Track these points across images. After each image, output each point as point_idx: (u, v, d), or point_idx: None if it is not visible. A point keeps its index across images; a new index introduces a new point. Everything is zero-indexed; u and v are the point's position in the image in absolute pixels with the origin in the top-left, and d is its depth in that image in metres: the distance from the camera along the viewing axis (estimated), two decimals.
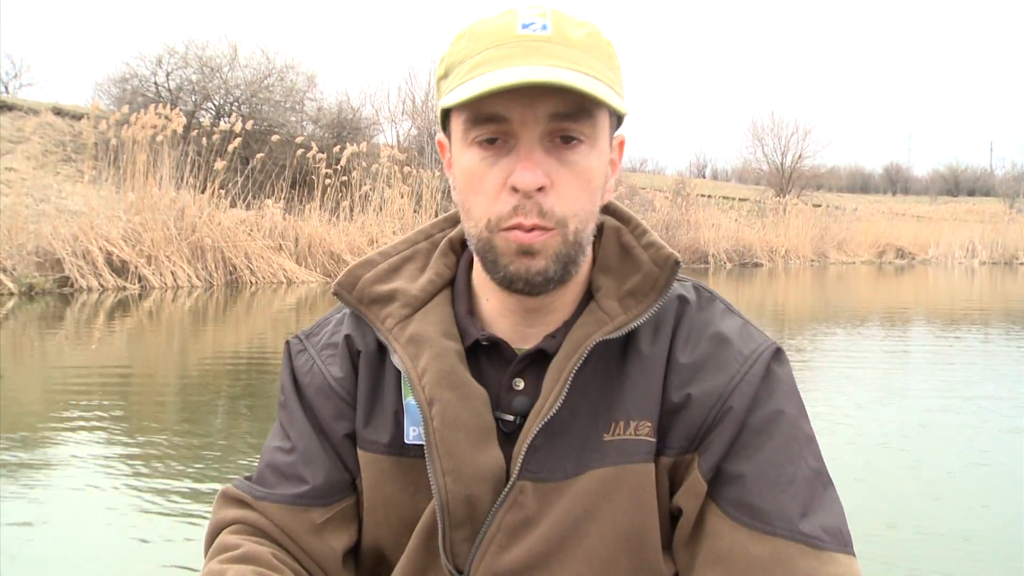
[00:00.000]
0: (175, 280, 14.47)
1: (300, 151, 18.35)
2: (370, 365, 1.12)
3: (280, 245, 16.62)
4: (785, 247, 31.56)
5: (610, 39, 1.03)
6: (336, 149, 19.11)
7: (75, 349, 8.77)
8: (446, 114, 1.03)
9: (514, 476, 1.02)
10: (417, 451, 1.06)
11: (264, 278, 15.70)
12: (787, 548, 0.94)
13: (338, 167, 18.54)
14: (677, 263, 1.07)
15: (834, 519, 0.98)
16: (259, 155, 17.46)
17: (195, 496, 4.08)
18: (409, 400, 1.07)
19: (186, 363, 8.40)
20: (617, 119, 1.05)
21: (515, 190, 0.96)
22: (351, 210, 18.66)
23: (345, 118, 22.53)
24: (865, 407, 6.33)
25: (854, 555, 0.97)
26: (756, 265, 29.15)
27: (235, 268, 15.53)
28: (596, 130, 0.99)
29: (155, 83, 20.72)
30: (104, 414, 5.79)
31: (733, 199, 35.87)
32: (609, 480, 1.01)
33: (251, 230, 16.18)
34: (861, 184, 63.21)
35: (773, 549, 0.94)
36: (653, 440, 1.03)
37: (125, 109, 16.79)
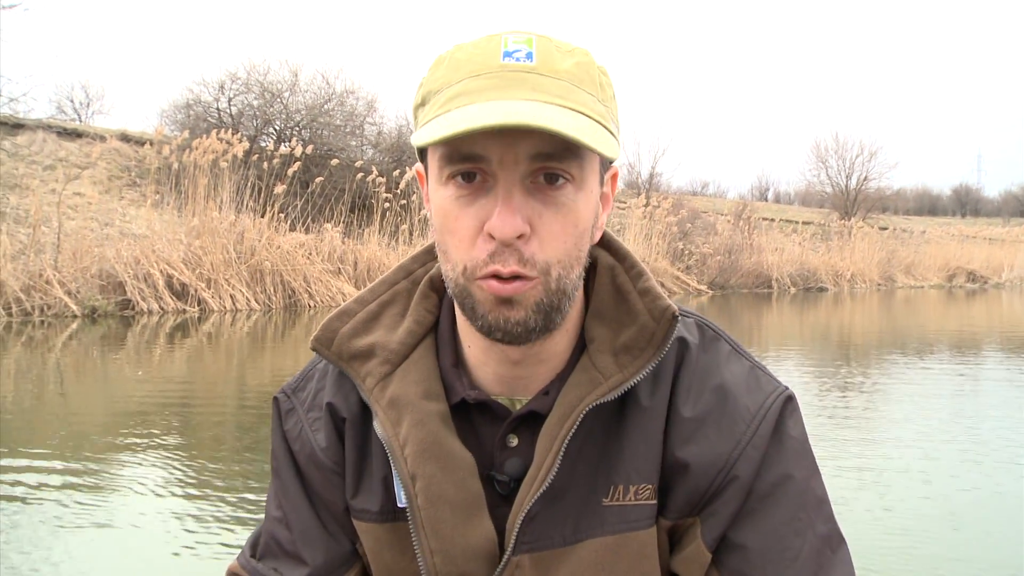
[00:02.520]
0: (234, 303, 14.55)
1: (360, 175, 18.43)
2: (355, 431, 1.06)
3: (339, 269, 16.64)
4: (851, 271, 30.97)
5: (604, 67, 0.95)
6: (395, 173, 19.16)
7: (135, 370, 8.80)
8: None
9: (508, 551, 0.96)
10: None
11: (323, 302, 15.71)
12: None
13: (397, 191, 18.57)
14: (675, 317, 0.99)
15: None
16: (318, 179, 17.56)
17: (247, 517, 4.00)
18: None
19: (244, 386, 8.35)
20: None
21: (492, 236, 0.89)
22: (410, 234, 18.65)
23: (405, 142, 22.62)
24: (941, 457, 5.97)
25: None
26: (821, 289, 28.62)
27: (294, 292, 15.58)
28: (584, 168, 0.91)
29: (217, 109, 21.02)
30: (162, 434, 5.85)
31: (796, 222, 35.35)
32: (609, 550, 0.97)
33: (310, 254, 16.25)
34: (929, 206, 61.77)
35: None
36: (654, 503, 0.98)
37: (187, 134, 17.02)
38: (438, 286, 1.09)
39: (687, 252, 25.24)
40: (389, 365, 1.03)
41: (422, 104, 0.94)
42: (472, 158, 0.88)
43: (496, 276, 0.89)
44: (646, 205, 25.07)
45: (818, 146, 45.56)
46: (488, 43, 0.90)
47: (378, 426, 1.00)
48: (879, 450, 5.65)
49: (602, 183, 0.97)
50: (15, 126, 17.58)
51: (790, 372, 9.36)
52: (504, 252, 0.88)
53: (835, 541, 0.97)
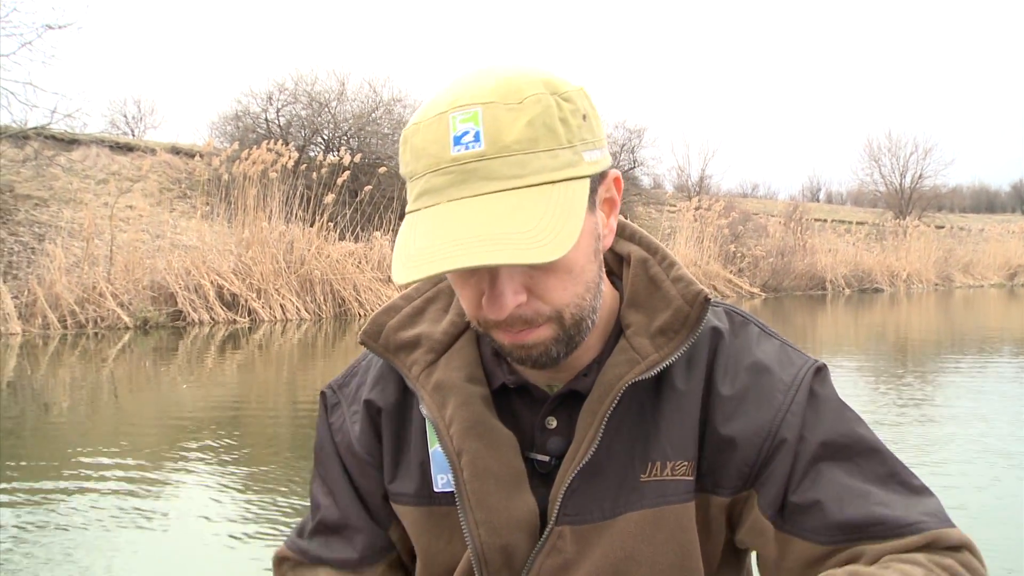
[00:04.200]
0: (284, 313, 14.59)
1: None
2: (392, 421, 1.12)
3: (389, 277, 16.59)
4: (907, 271, 30.45)
5: (568, 89, 0.94)
6: None
7: (188, 380, 8.83)
8: None
9: (552, 522, 1.01)
10: (448, 499, 1.05)
11: (373, 310, 15.62)
12: (890, 545, 0.91)
13: None
14: (707, 300, 1.04)
15: (928, 503, 0.96)
16: (367, 187, 17.56)
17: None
18: (435, 449, 1.06)
19: (296, 394, 8.32)
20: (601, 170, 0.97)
21: None
22: None
23: None
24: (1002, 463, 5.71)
25: (957, 528, 0.93)
26: (876, 290, 28.15)
27: (344, 300, 15.59)
28: None
29: (266, 119, 21.19)
30: (217, 441, 5.93)
31: (849, 223, 34.75)
32: (648, 522, 1.00)
33: (359, 262, 16.26)
34: (987, 203, 59.98)
35: (880, 553, 0.91)
36: (691, 479, 1.01)
37: (236, 146, 17.14)
38: None
39: (739, 255, 24.91)
40: (434, 354, 1.09)
41: (407, 178, 0.97)
42: None
43: (507, 330, 0.95)
44: (697, 208, 24.77)
45: (871, 144, 44.93)
46: (438, 125, 0.90)
47: (424, 408, 1.05)
48: (947, 468, 5.40)
49: (596, 194, 0.97)
50: (70, 142, 17.87)
51: (846, 379, 9.11)
52: (507, 320, 0.94)
53: (905, 474, 0.98)
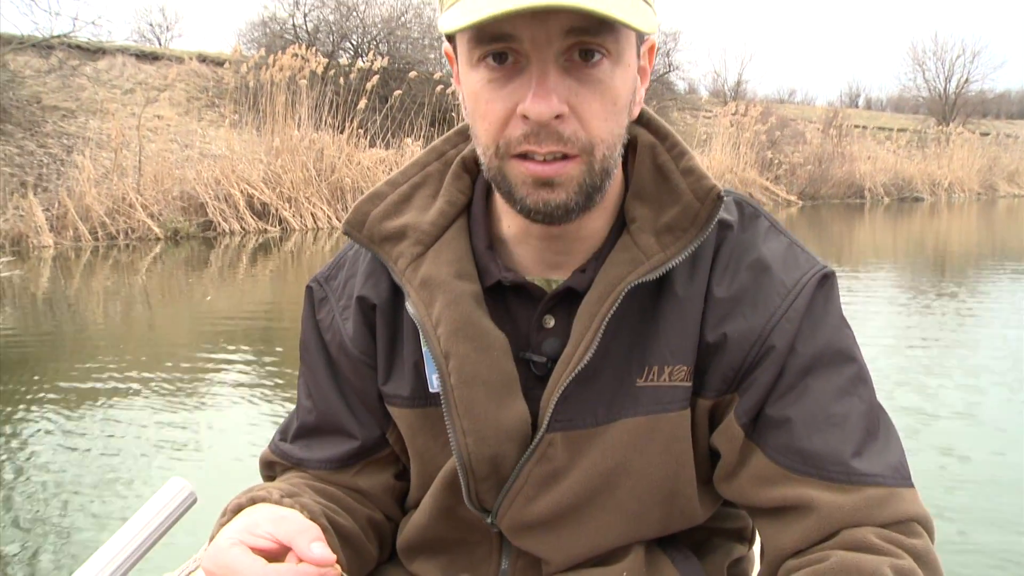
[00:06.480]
0: (315, 221, 14.49)
1: (439, 88, 18.03)
2: (386, 317, 1.06)
3: None
4: (949, 179, 29.79)
5: None
6: None
7: (220, 291, 8.82)
8: None
9: (543, 429, 0.96)
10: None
11: None
12: (843, 490, 0.89)
13: None
14: (719, 197, 0.97)
15: (892, 454, 0.92)
16: (397, 92, 17.23)
17: None
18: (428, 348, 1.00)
19: None
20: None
21: (527, 118, 0.85)
22: None
23: None
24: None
25: (913, 487, 0.92)
26: (916, 199, 27.65)
27: None
28: (620, 41, 0.87)
29: (293, 25, 20.79)
30: (249, 351, 6.04)
31: (890, 129, 33.89)
32: (642, 431, 0.96)
33: (390, 169, 16.02)
34: None
35: (829, 492, 0.89)
36: (689, 385, 0.97)
37: (263, 52, 16.84)
38: (471, 167, 1.07)
39: (776, 162, 24.42)
40: (421, 246, 1.02)
41: None
42: (502, 38, 0.84)
43: (532, 156, 0.87)
44: (734, 113, 24.22)
45: (915, 48, 43.83)
46: None
47: (410, 306, 0.99)
48: (982, 380, 5.22)
49: (639, 56, 0.92)
50: (95, 51, 17.62)
51: (882, 291, 8.91)
52: (541, 133, 0.85)
53: (880, 413, 0.95)
